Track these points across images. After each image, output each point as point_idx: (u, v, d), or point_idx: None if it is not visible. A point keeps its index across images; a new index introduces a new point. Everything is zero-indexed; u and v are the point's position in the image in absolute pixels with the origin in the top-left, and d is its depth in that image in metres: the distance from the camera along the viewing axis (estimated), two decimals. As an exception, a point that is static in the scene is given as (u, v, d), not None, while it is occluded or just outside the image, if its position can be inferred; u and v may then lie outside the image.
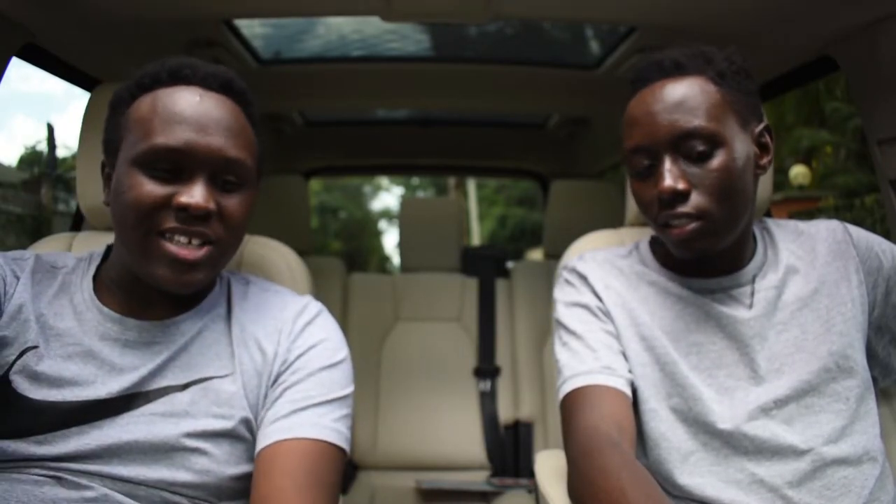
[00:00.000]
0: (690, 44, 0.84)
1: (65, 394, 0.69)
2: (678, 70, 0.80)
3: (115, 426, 0.69)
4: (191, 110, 0.72)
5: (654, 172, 0.81)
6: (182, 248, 0.71)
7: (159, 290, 0.75)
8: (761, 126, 0.83)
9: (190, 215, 0.70)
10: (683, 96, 0.78)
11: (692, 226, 0.78)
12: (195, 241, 0.71)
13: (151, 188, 0.70)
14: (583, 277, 0.92)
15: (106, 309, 0.76)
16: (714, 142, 0.77)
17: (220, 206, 0.73)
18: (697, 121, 0.77)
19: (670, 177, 0.78)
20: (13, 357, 0.70)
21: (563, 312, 0.91)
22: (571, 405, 0.81)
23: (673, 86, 0.80)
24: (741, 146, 0.79)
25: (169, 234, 0.71)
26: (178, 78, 0.75)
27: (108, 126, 0.78)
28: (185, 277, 0.72)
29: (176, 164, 0.71)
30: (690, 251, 0.81)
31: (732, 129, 0.79)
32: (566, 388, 0.83)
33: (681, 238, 0.80)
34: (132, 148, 0.71)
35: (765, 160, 0.83)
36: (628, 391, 0.82)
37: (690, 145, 0.78)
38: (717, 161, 0.77)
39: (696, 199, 0.78)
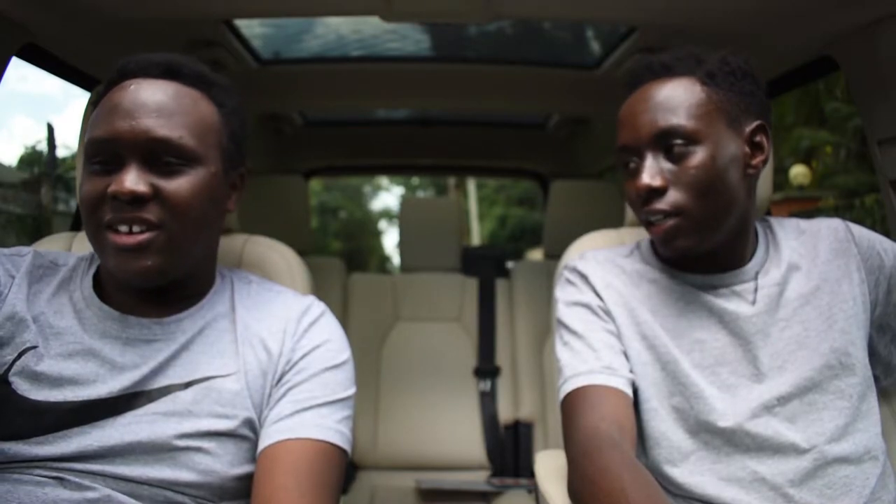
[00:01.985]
0: (687, 46, 0.84)
1: (65, 394, 0.69)
2: (666, 71, 0.82)
3: (116, 426, 0.69)
4: (123, 100, 0.72)
5: (637, 170, 0.82)
6: (122, 235, 0.70)
7: (136, 286, 0.75)
8: (754, 125, 0.83)
9: (121, 202, 0.69)
10: (666, 96, 0.80)
11: (670, 223, 0.80)
12: (136, 228, 0.70)
13: (93, 183, 0.71)
14: (584, 277, 0.92)
15: (106, 306, 0.76)
16: (693, 139, 0.78)
17: (158, 188, 0.71)
18: (676, 119, 0.79)
19: (647, 174, 0.80)
20: (11, 358, 0.70)
21: (564, 312, 0.91)
22: (572, 405, 0.81)
23: (659, 87, 0.82)
24: (726, 146, 0.79)
25: (110, 225, 0.70)
26: (125, 73, 0.76)
27: None
28: (133, 265, 0.70)
29: (108, 156, 0.71)
30: (672, 249, 0.82)
31: (716, 128, 0.79)
32: (567, 388, 0.83)
33: (660, 236, 0.82)
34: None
35: (757, 160, 0.83)
36: (629, 391, 0.82)
37: (669, 143, 0.79)
38: (695, 159, 0.78)
39: (672, 196, 0.80)
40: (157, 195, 0.71)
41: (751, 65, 0.83)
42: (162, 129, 0.71)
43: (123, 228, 0.70)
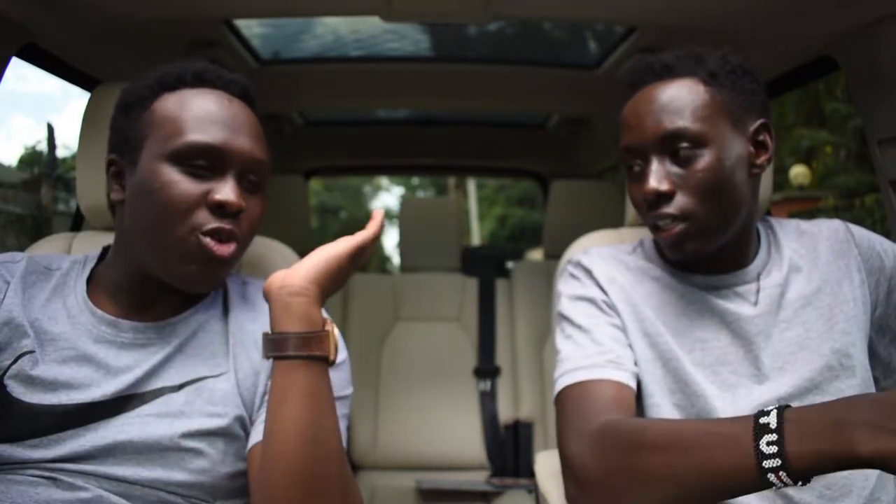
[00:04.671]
0: (688, 45, 0.84)
1: (60, 397, 0.69)
2: (668, 72, 0.81)
3: (109, 427, 0.69)
4: (222, 112, 0.75)
5: (643, 173, 0.82)
6: (216, 244, 0.73)
7: (169, 289, 0.75)
8: (758, 123, 0.82)
9: (225, 212, 0.72)
10: (670, 98, 0.79)
11: (678, 227, 0.79)
12: (224, 238, 0.73)
13: (187, 185, 0.72)
14: (587, 271, 0.91)
15: (99, 311, 0.76)
16: (699, 142, 0.78)
17: (245, 204, 0.75)
18: (682, 121, 0.78)
19: (654, 178, 0.79)
20: (7, 362, 0.70)
21: (567, 306, 0.90)
22: (569, 401, 0.79)
23: (662, 88, 0.81)
24: (731, 146, 0.79)
25: (203, 232, 0.72)
26: (203, 81, 0.77)
27: (123, 123, 0.78)
28: (214, 274, 0.74)
29: (210, 162, 0.73)
30: (680, 253, 0.82)
31: (721, 129, 0.78)
32: (566, 381, 0.80)
33: (669, 240, 0.81)
34: (163, 144, 0.72)
35: (762, 159, 0.83)
36: (633, 385, 0.81)
37: (676, 146, 0.78)
38: (702, 162, 0.78)
39: (680, 201, 0.79)
40: (244, 211, 0.76)
41: (749, 63, 0.83)
42: (259, 151, 0.77)
43: (214, 236, 0.73)
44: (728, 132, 0.79)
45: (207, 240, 0.72)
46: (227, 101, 0.76)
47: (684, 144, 0.78)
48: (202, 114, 0.74)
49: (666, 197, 0.79)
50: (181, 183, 0.71)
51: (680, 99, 0.79)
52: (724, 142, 0.78)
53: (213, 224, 0.72)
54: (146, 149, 0.74)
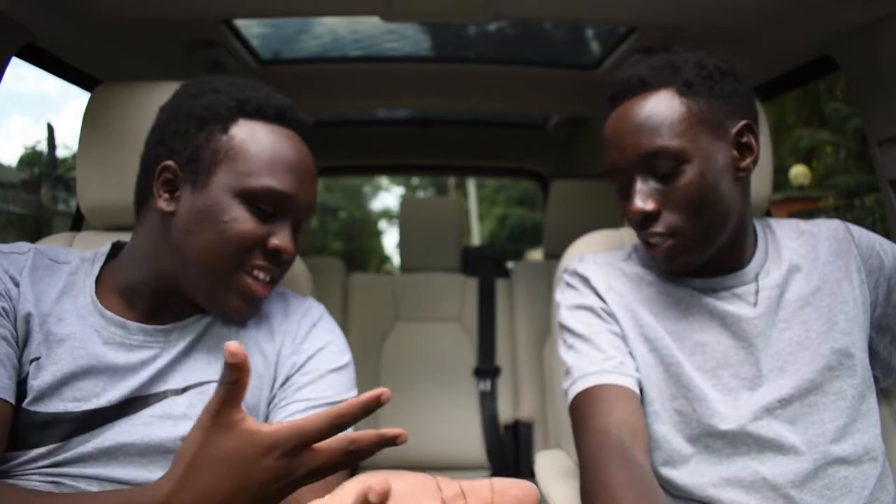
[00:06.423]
0: (663, 55, 0.84)
1: (67, 405, 0.69)
2: (643, 87, 0.81)
3: (112, 430, 0.69)
4: (297, 160, 0.77)
5: (628, 193, 0.82)
6: (260, 285, 0.75)
7: (186, 298, 0.76)
8: (740, 125, 0.81)
9: (279, 258, 0.75)
10: (646, 115, 0.79)
11: (668, 244, 0.80)
12: (267, 279, 0.76)
13: (253, 226, 0.74)
14: (584, 279, 0.92)
15: (108, 313, 0.75)
16: (680, 158, 0.77)
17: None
18: (660, 140, 0.77)
19: (639, 198, 0.80)
20: (25, 368, 0.69)
21: (566, 316, 0.90)
22: (582, 406, 0.80)
23: (639, 104, 0.80)
24: (714, 156, 0.78)
25: (254, 271, 0.75)
26: (283, 118, 0.78)
27: (194, 137, 0.75)
28: (251, 311, 0.77)
29: (276, 207, 0.75)
30: (673, 266, 0.83)
31: (701, 141, 0.78)
32: (576, 389, 0.81)
33: (661, 256, 0.82)
34: (238, 178, 0.73)
35: (746, 161, 0.81)
36: (638, 390, 0.81)
37: (657, 164, 0.79)
38: (685, 178, 0.77)
39: (666, 218, 0.79)
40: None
41: (729, 62, 0.81)
42: (312, 199, 0.80)
43: (262, 277, 0.75)
44: (709, 143, 0.78)
45: (249, 278, 0.75)
46: (300, 147, 0.78)
47: (665, 162, 0.78)
48: (282, 158, 0.75)
49: (652, 216, 0.80)
50: (248, 222, 0.73)
51: (656, 115, 0.78)
52: (705, 153, 0.78)
53: (261, 262, 0.75)
54: (218, 175, 0.73)
